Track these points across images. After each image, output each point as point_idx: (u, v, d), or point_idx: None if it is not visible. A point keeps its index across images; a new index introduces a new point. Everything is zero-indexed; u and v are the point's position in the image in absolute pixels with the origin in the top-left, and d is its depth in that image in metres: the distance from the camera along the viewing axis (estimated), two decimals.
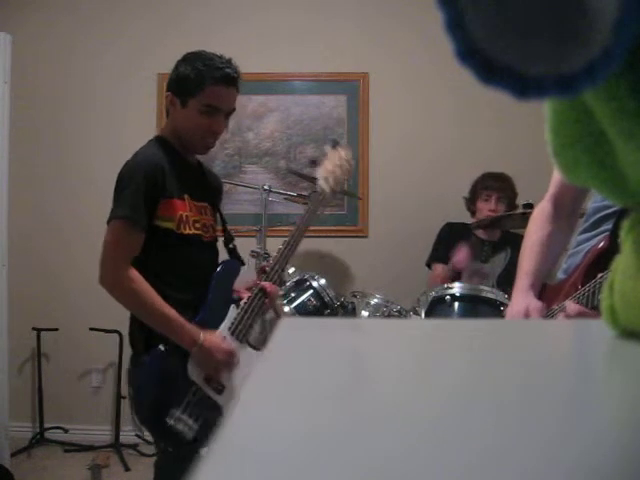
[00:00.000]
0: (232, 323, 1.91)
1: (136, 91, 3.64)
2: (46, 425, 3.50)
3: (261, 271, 1.99)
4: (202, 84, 1.85)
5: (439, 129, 3.56)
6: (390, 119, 3.62)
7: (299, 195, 3.25)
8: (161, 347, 1.82)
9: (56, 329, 3.54)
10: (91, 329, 3.47)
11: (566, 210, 1.61)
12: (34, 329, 3.54)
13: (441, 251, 3.19)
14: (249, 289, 1.96)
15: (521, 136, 3.42)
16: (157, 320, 1.80)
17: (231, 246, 2.09)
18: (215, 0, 3.66)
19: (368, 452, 0.22)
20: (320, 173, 2.12)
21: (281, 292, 2.15)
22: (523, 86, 0.28)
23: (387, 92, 3.61)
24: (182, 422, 1.79)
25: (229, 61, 1.90)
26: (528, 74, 0.27)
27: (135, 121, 3.64)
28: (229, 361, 1.82)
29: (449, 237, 3.18)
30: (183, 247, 1.87)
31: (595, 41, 0.26)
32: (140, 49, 3.64)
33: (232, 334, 1.89)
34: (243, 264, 2.10)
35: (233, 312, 1.93)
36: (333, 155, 2.16)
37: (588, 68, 0.27)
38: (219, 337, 1.85)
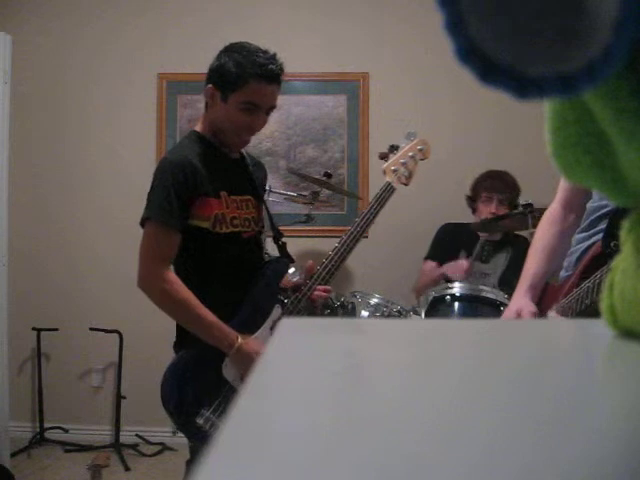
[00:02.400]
0: (274, 323, 1.88)
1: (136, 91, 3.65)
2: (46, 425, 3.50)
3: (308, 272, 1.95)
4: (244, 80, 1.79)
5: (439, 129, 3.56)
6: (390, 119, 3.62)
7: (299, 195, 3.25)
8: (194, 346, 1.80)
9: (56, 329, 3.54)
10: (91, 329, 3.47)
11: (575, 213, 1.62)
12: (34, 329, 3.54)
13: (436, 250, 3.20)
14: (297, 289, 1.93)
15: (522, 136, 3.42)
16: (193, 324, 1.78)
17: (281, 243, 2.05)
18: (215, 1, 3.66)
19: (368, 452, 0.22)
20: (388, 166, 2.08)
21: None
22: (523, 86, 0.28)
23: (387, 92, 3.61)
24: (211, 422, 1.77)
25: (273, 57, 1.84)
26: (528, 74, 0.27)
27: (135, 121, 3.64)
28: None
29: (446, 238, 3.18)
30: (219, 246, 1.83)
31: (595, 41, 0.26)
32: (140, 49, 3.64)
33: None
34: (292, 262, 2.05)
35: (277, 312, 1.90)
36: (408, 146, 2.12)
37: (588, 68, 0.27)
38: (259, 342, 1.81)
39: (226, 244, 1.84)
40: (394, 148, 2.13)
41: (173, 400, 1.82)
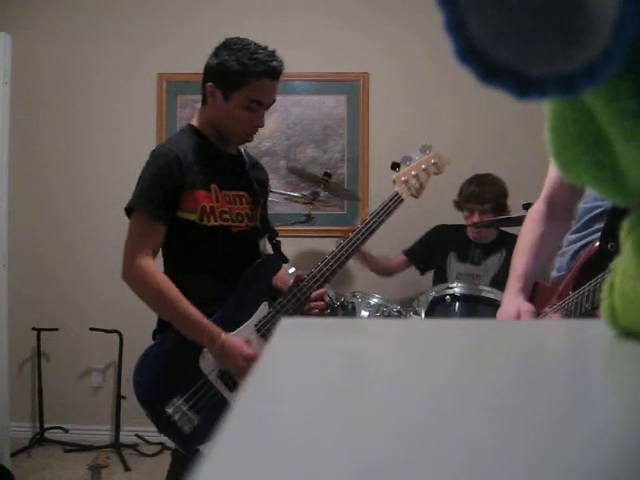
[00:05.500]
0: (260, 320, 1.87)
1: (137, 91, 3.65)
2: (46, 425, 3.50)
3: (296, 280, 1.93)
4: (248, 78, 1.79)
5: (439, 129, 3.56)
6: (390, 119, 3.62)
7: (299, 195, 3.25)
8: (173, 334, 1.78)
9: (56, 329, 3.54)
10: (91, 329, 3.47)
11: (560, 211, 1.61)
12: (34, 329, 3.54)
13: (417, 250, 3.22)
14: (290, 290, 1.92)
15: (521, 136, 3.42)
16: (174, 316, 1.76)
17: (275, 242, 2.04)
18: (215, 1, 3.66)
19: (368, 451, 0.22)
20: (399, 176, 2.05)
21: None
22: (523, 86, 0.28)
23: (387, 92, 3.61)
24: (180, 412, 1.76)
25: (273, 53, 1.84)
26: (528, 74, 0.27)
27: (135, 121, 3.64)
28: (249, 366, 1.75)
29: (434, 240, 3.18)
30: (207, 239, 1.83)
31: (595, 42, 0.26)
32: (141, 49, 3.64)
33: (258, 331, 1.86)
34: (286, 261, 2.04)
35: (264, 309, 1.89)
36: (421, 159, 2.09)
37: (588, 69, 0.27)
38: (242, 340, 1.79)
39: (213, 237, 1.83)
40: (407, 159, 2.09)
41: (143, 386, 1.81)
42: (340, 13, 3.62)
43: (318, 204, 3.24)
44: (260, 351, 1.79)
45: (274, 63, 1.81)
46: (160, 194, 1.76)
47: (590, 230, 1.52)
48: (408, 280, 3.35)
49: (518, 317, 1.48)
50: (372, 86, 3.62)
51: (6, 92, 2.89)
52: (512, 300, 1.53)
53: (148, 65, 3.61)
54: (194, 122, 1.93)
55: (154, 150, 1.86)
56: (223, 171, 1.89)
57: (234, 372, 1.79)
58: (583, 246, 1.53)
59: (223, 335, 1.76)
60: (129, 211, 1.81)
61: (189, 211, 1.80)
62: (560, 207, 1.61)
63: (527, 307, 1.50)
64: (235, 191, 1.90)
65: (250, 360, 1.76)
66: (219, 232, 1.84)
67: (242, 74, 1.79)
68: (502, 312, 1.53)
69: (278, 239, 2.06)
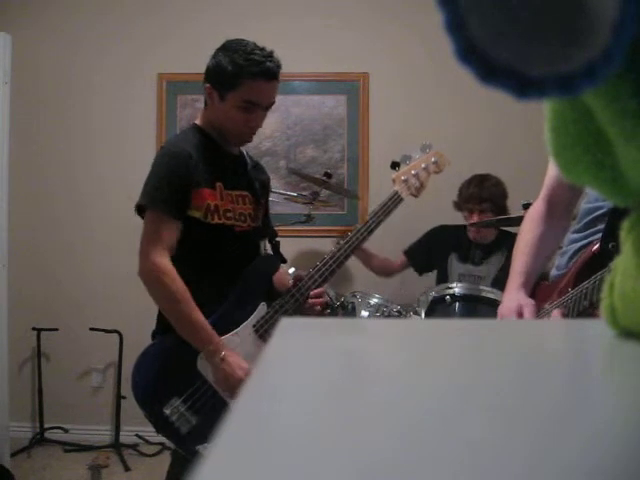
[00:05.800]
0: (258, 321, 1.87)
1: (137, 91, 3.65)
2: (46, 425, 3.50)
3: (295, 280, 1.93)
4: (241, 79, 1.79)
5: (439, 129, 3.56)
6: (390, 119, 3.62)
7: (299, 195, 3.25)
8: (171, 334, 1.78)
9: (56, 329, 3.54)
10: (91, 329, 3.47)
11: (559, 210, 1.62)
12: (34, 329, 3.54)
13: (417, 251, 3.21)
14: (288, 290, 1.92)
15: (521, 136, 3.42)
16: (180, 318, 1.76)
17: (274, 242, 2.05)
18: (215, 1, 3.66)
19: (368, 451, 0.22)
20: (398, 175, 2.04)
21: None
22: (523, 86, 0.28)
23: (387, 92, 3.61)
24: (178, 413, 1.76)
25: (270, 54, 1.83)
26: (528, 74, 0.27)
27: (135, 121, 3.64)
28: (245, 380, 1.73)
29: (434, 240, 3.18)
30: (210, 237, 1.83)
31: (595, 42, 0.26)
32: (141, 49, 3.64)
33: (256, 332, 1.86)
34: (284, 262, 2.05)
35: (262, 309, 1.89)
36: (421, 158, 2.08)
37: (588, 69, 0.27)
38: (239, 356, 1.78)
39: (216, 235, 1.83)
40: (407, 158, 2.07)
41: (142, 386, 1.80)
42: (340, 13, 3.62)
43: (318, 204, 3.24)
44: (259, 352, 1.79)
45: (269, 64, 1.80)
46: (171, 191, 1.76)
47: (592, 230, 1.52)
48: (408, 280, 3.35)
49: (519, 311, 1.48)
50: (372, 86, 3.62)
51: (6, 92, 2.89)
52: (513, 296, 1.53)
53: (148, 65, 3.61)
54: (198, 122, 1.94)
55: (162, 147, 1.86)
56: (227, 171, 1.90)
57: (228, 384, 1.77)
58: (584, 246, 1.53)
59: (224, 353, 1.75)
60: (140, 209, 1.81)
61: (195, 209, 1.80)
62: (560, 206, 1.61)
63: (527, 302, 1.50)
64: (238, 191, 1.91)
65: (247, 374, 1.75)
66: (222, 230, 1.84)
67: (236, 75, 1.79)
68: (503, 308, 1.53)
69: (277, 239, 2.07)
